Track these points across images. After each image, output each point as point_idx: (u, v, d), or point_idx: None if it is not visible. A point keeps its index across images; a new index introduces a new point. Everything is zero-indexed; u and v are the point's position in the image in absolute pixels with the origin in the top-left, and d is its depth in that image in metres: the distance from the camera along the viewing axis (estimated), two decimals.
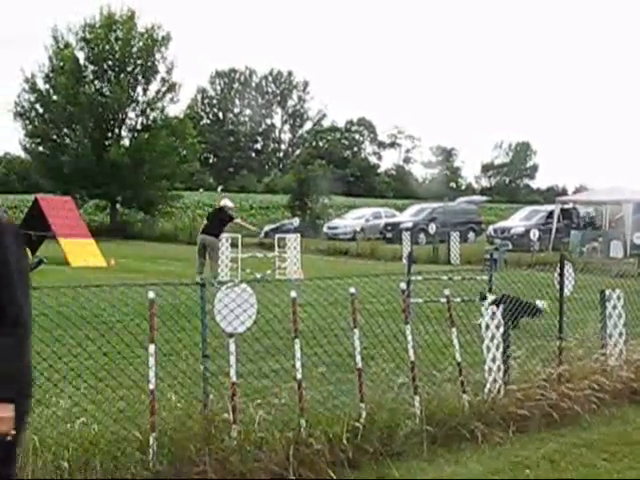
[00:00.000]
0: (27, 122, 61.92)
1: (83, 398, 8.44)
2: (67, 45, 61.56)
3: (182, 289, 9.09)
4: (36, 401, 8.58)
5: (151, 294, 7.75)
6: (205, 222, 28.66)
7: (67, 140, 60.74)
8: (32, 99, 61.86)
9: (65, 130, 61.18)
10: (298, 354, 8.44)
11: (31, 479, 6.75)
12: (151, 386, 7.63)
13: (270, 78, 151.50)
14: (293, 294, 8.56)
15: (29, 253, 31.10)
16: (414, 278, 15.97)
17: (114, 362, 9.99)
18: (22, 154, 76.26)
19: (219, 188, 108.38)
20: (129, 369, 9.54)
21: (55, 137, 61.55)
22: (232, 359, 8.11)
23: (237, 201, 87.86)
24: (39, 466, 6.84)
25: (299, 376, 8.37)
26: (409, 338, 9.23)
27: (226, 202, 29.00)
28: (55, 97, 60.71)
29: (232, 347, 8.15)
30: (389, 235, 50.18)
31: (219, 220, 27.78)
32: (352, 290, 9.01)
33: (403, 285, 10.20)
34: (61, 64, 60.23)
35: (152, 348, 7.69)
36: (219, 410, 8.02)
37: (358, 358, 8.84)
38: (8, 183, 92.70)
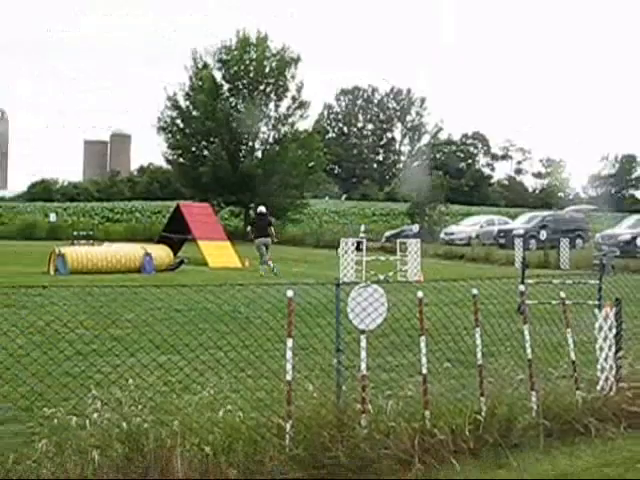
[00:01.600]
0: (169, 136, 63.16)
1: (226, 387, 8.51)
2: (205, 66, 62.79)
3: (318, 288, 9.10)
4: (184, 388, 8.77)
5: (290, 293, 7.80)
6: (252, 227, 32.06)
7: (205, 152, 61.66)
8: (174, 115, 63.05)
9: (203, 143, 62.22)
10: (424, 350, 8.41)
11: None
12: (288, 377, 7.66)
13: (391, 95, 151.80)
14: (420, 294, 8.52)
15: (171, 254, 31.65)
16: (527, 282, 15.74)
17: (254, 354, 10.11)
18: (164, 165, 77.67)
19: (343, 196, 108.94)
20: (268, 361, 9.65)
21: (194, 149, 62.66)
22: (363, 353, 8.11)
23: (360, 208, 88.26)
24: (186, 448, 6.93)
25: (424, 371, 8.34)
26: (527, 337, 9.10)
27: (262, 209, 32.23)
28: (195, 113, 61.82)
29: (363, 342, 8.15)
30: (502, 241, 49.53)
31: (266, 224, 31.27)
32: (474, 291, 8.94)
33: (522, 287, 10.08)
34: (200, 83, 61.48)
35: (290, 342, 7.73)
36: (350, 400, 8.02)
37: (479, 355, 8.76)
38: (151, 191, 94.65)
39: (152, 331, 12.27)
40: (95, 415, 6.99)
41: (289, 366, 7.68)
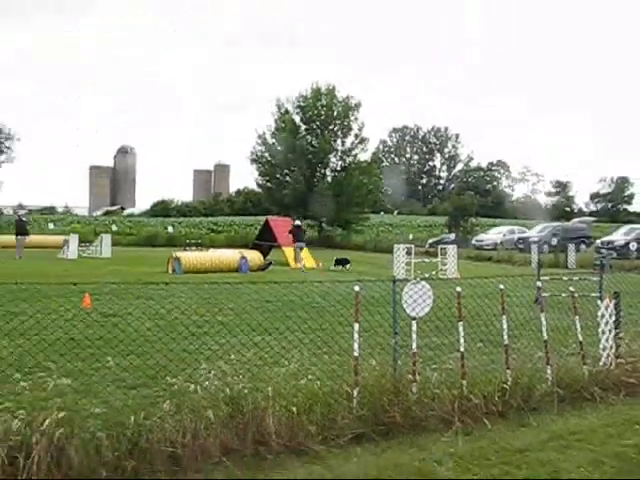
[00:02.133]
0: (259, 166, 63.64)
1: (307, 361, 8.52)
2: (287, 111, 63.22)
3: (379, 284, 9.07)
4: (274, 362, 8.80)
5: (357, 287, 7.80)
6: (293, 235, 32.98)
7: (287, 178, 61.99)
8: (263, 149, 63.55)
9: (286, 171, 62.50)
10: (462, 333, 8.36)
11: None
12: (355, 353, 7.65)
13: (432, 132, 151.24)
14: (458, 289, 8.47)
15: (262, 257, 31.82)
16: (543, 278, 15.54)
17: (330, 335, 10.10)
18: (255, 188, 78.21)
19: (395, 212, 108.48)
20: (340, 341, 9.65)
21: (279, 176, 62.99)
22: (414, 336, 8.08)
23: (408, 221, 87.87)
24: (276, 409, 6.95)
25: (462, 349, 8.28)
26: (543, 323, 8.98)
27: (298, 222, 34.18)
28: (279, 148, 62.19)
29: (414, 327, 8.12)
30: (521, 246, 48.72)
31: (302, 232, 33.66)
32: (501, 286, 8.86)
33: (539, 283, 9.96)
34: (282, 124, 61.82)
35: (357, 326, 7.72)
36: (404, 372, 7.99)
37: (505, 337, 8.66)
38: (246, 208, 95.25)
39: (249, 317, 12.37)
40: (206, 383, 7.05)
41: (356, 345, 7.67)
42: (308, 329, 11.08)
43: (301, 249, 32.14)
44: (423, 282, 8.27)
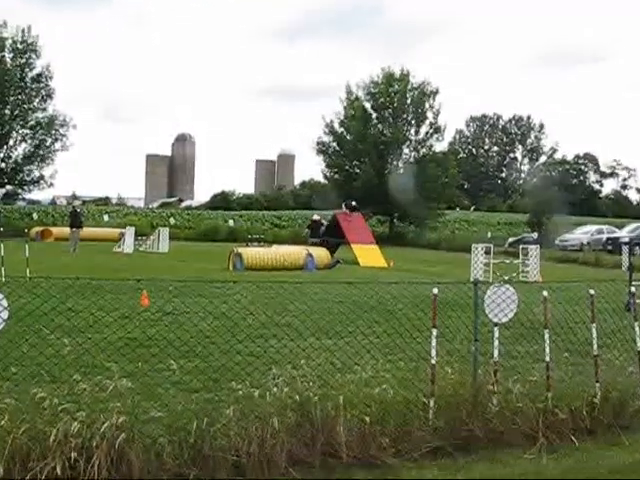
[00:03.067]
0: (326, 156, 63.86)
1: (379, 367, 8.53)
2: (357, 98, 63.19)
3: (456, 286, 9.06)
4: (345, 368, 8.83)
5: (435, 290, 7.80)
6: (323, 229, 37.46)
7: (357, 170, 61.99)
8: (331, 139, 63.72)
9: (355, 162, 62.56)
10: (547, 341, 8.28)
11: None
12: (432, 361, 7.65)
13: (513, 121, 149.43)
14: (545, 293, 8.40)
15: (329, 255, 31.91)
16: (635, 283, 15.24)
17: (404, 340, 10.08)
18: (321, 180, 78.46)
19: (472, 208, 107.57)
20: (414, 347, 9.63)
21: (348, 168, 63.09)
22: (496, 343, 8.05)
23: (486, 218, 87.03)
24: (347, 418, 6.99)
25: (547, 358, 8.20)
26: (637, 332, 8.83)
27: (315, 217, 38.80)
28: (348, 137, 62.25)
29: (496, 333, 8.09)
30: (610, 247, 47.96)
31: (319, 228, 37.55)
32: (591, 292, 8.73)
33: (633, 288, 9.79)
34: (352, 112, 61.81)
35: (434, 331, 7.72)
36: (484, 382, 7.95)
37: (595, 346, 8.54)
38: (310, 202, 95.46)
39: (317, 319, 12.44)
40: (274, 389, 7.12)
41: (433, 352, 7.67)
42: (382, 333, 11.11)
43: (313, 244, 34.75)
44: (507, 285, 8.22)
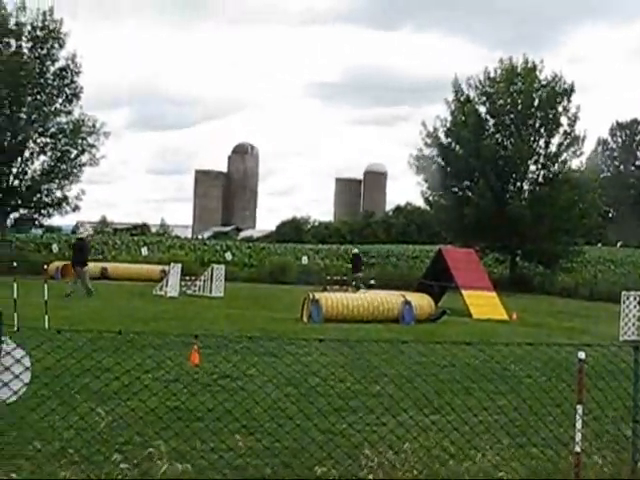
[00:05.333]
0: (428, 175, 63.45)
1: (505, 454, 8.42)
2: (468, 99, 62.61)
3: (603, 349, 8.90)
4: (460, 453, 8.72)
5: (581, 354, 7.67)
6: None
7: (469, 192, 61.42)
8: (435, 152, 63.37)
9: (466, 182, 62.06)
10: None
11: None
12: (577, 447, 7.52)
13: None
14: None
15: (433, 303, 31.70)
16: None
17: (537, 417, 9.91)
18: (421, 205, 78.17)
19: (618, 243, 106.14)
20: (546, 427, 9.46)
21: (457, 189, 62.64)
22: None
23: (639, 256, 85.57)
24: None
25: None
26: None
27: (355, 251, 42.71)
28: (457, 150, 61.74)
29: None
30: None
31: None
32: None
33: None
34: (463, 118, 61.26)
35: (580, 409, 7.59)
36: None
37: None
38: (407, 233, 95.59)
39: (417, 389, 12.34)
40: (370, 476, 7.07)
41: (578, 435, 7.54)
42: (507, 407, 10.97)
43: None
44: None
